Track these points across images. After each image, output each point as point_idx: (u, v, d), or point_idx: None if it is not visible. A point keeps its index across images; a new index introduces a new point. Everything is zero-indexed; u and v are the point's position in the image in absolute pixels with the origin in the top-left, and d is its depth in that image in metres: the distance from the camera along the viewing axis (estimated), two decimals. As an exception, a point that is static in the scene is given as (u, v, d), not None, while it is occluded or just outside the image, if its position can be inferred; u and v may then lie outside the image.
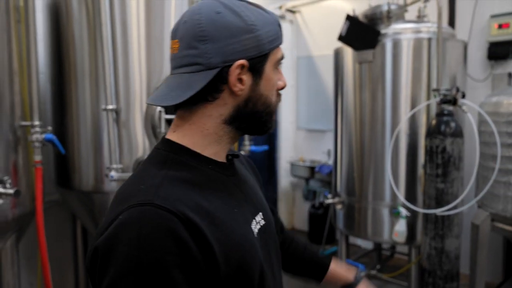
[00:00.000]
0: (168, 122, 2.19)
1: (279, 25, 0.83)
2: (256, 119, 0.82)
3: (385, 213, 2.93)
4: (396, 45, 2.83)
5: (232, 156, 0.87)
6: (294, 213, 5.20)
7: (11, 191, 1.73)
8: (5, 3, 1.84)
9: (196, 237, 0.66)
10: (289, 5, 4.88)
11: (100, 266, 0.65)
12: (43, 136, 1.91)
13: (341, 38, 2.84)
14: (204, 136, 0.80)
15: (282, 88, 0.86)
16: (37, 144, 1.90)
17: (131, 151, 2.17)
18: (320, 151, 4.76)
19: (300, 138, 5.12)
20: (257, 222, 0.85)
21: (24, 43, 1.90)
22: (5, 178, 1.78)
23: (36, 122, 1.91)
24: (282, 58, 0.84)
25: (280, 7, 4.87)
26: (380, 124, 2.90)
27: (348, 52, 3.02)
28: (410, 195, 2.84)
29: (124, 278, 0.62)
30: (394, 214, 2.83)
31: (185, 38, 0.76)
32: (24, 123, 1.90)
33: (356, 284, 1.11)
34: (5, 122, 1.85)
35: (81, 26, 2.16)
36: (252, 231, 0.81)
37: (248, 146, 2.75)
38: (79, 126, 2.24)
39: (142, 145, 2.19)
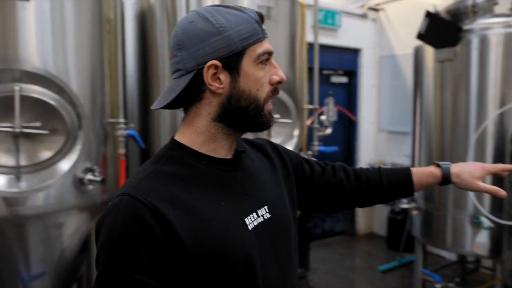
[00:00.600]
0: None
1: (258, 22, 0.85)
2: (243, 115, 0.85)
3: (467, 222, 2.72)
4: (484, 41, 2.61)
5: (239, 152, 0.93)
6: (373, 218, 5.04)
7: (98, 178, 1.99)
8: (99, 16, 2.12)
9: (162, 225, 0.74)
10: (372, 3, 4.74)
11: (95, 239, 0.80)
12: (126, 132, 2.15)
13: (420, 36, 2.71)
14: (198, 134, 0.87)
15: (278, 82, 0.88)
16: (121, 138, 2.15)
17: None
18: (401, 154, 4.55)
19: (381, 140, 4.95)
20: (259, 216, 0.89)
21: (113, 50, 2.16)
22: (95, 167, 2.04)
23: (121, 120, 2.16)
24: (265, 53, 0.85)
25: (362, 6, 4.75)
26: (463, 127, 2.70)
27: (429, 51, 2.86)
28: (496, 205, 2.60)
29: (102, 252, 0.75)
30: (475, 224, 2.62)
31: (170, 49, 0.86)
32: (111, 120, 2.16)
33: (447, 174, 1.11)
34: (97, 119, 2.12)
35: (162, 32, 2.38)
36: (243, 224, 0.85)
37: (316, 146, 2.76)
38: (159, 124, 2.47)
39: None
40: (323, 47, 4.46)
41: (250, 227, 0.86)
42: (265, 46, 0.86)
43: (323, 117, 2.83)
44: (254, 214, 0.88)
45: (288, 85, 2.53)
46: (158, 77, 2.44)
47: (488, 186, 1.09)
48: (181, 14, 2.24)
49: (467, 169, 1.11)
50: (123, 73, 2.23)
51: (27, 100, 1.82)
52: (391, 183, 1.15)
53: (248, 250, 0.83)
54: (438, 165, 1.14)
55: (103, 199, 2.17)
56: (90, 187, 2.04)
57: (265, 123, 0.89)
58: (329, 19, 4.35)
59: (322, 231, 4.88)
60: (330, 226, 4.97)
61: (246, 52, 0.84)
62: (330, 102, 2.90)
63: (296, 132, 2.62)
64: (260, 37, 0.85)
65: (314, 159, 1.21)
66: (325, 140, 4.53)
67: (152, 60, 2.45)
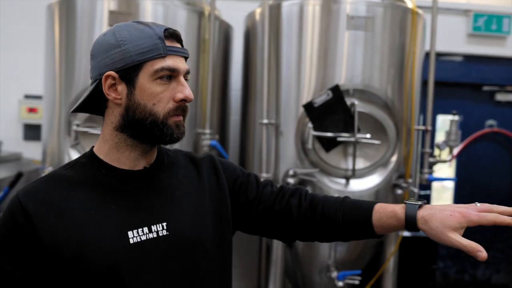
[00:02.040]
0: (318, 138, 2.19)
1: (161, 39, 0.85)
2: (140, 127, 0.87)
3: None
4: None
5: (153, 166, 0.94)
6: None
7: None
8: (197, 37, 2.36)
9: (28, 223, 0.83)
10: None
11: None
12: (209, 142, 2.31)
13: None
14: (104, 142, 0.92)
15: (183, 100, 0.88)
16: (205, 148, 2.32)
17: (278, 163, 2.30)
18: None
19: None
20: (152, 231, 0.87)
21: (206, 67, 2.36)
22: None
23: (207, 130, 2.33)
24: (164, 69, 0.85)
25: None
26: None
27: None
28: None
29: None
30: None
31: None
32: (199, 130, 2.36)
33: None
34: (189, 129, 2.36)
35: (261, 48, 2.42)
36: (123, 236, 0.84)
37: (426, 174, 2.34)
38: (246, 136, 2.56)
39: (291, 159, 2.28)
40: (484, 59, 3.75)
41: (132, 240, 0.86)
42: (167, 63, 0.86)
43: (440, 141, 2.38)
44: (145, 228, 0.88)
45: (385, 101, 2.25)
46: (256, 91, 2.52)
47: (464, 241, 0.77)
48: (281, 29, 2.29)
49: (440, 215, 0.82)
50: (212, 88, 2.39)
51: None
52: (347, 220, 0.96)
53: (115, 263, 0.83)
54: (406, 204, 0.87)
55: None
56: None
57: (166, 136, 0.88)
58: (493, 24, 3.63)
59: (472, 279, 4.05)
60: (485, 274, 4.08)
61: (144, 67, 0.86)
62: (453, 123, 2.42)
63: (394, 158, 2.30)
64: (160, 53, 0.86)
65: (275, 183, 1.07)
66: (475, 169, 3.78)
67: (252, 75, 2.56)
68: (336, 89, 2.16)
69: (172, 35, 0.89)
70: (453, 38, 3.64)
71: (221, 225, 0.98)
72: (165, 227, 0.89)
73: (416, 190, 2.27)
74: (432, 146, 2.40)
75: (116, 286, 0.83)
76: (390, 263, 2.48)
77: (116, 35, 0.87)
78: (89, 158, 0.93)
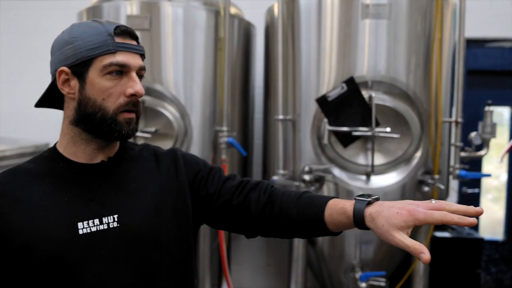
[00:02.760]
0: (334, 133, 2.12)
1: (111, 35, 0.88)
2: (91, 121, 0.90)
3: None
4: None
5: (110, 159, 0.97)
6: None
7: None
8: (214, 36, 2.38)
9: None
10: None
11: None
12: (226, 139, 2.32)
13: None
14: (63, 136, 0.96)
15: (133, 95, 0.90)
16: (223, 145, 2.34)
17: (296, 160, 2.26)
18: None
19: None
20: (103, 223, 0.89)
21: (223, 65, 2.38)
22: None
23: (224, 128, 2.35)
24: (113, 64, 0.88)
25: None
26: None
27: None
28: None
29: None
30: None
31: None
32: (218, 128, 2.39)
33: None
34: (208, 126, 2.40)
35: (279, 43, 2.38)
36: (72, 227, 0.87)
37: (457, 170, 2.17)
38: (267, 133, 2.54)
39: (308, 155, 2.23)
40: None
41: (82, 231, 0.89)
42: (117, 58, 0.89)
43: (473, 134, 2.19)
44: (96, 220, 0.91)
45: (407, 92, 2.12)
46: (276, 87, 2.49)
47: (408, 241, 0.71)
48: (299, 22, 2.26)
49: (387, 213, 0.76)
50: (229, 85, 2.40)
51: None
52: (301, 217, 0.92)
53: (63, 252, 0.87)
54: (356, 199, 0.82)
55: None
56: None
57: (115, 132, 0.91)
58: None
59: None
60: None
61: (94, 62, 0.90)
62: (488, 114, 2.21)
63: (418, 153, 2.16)
64: (109, 49, 0.89)
65: (240, 177, 1.06)
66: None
67: (271, 71, 2.53)
68: (351, 82, 2.07)
69: (125, 32, 0.92)
70: (503, 23, 3.33)
71: (178, 218, 0.99)
72: (116, 219, 0.91)
73: (442, 187, 2.11)
74: (465, 139, 2.22)
75: (62, 275, 0.86)
76: (420, 265, 2.33)
77: (70, 32, 0.92)
78: (51, 152, 0.98)
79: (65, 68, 0.91)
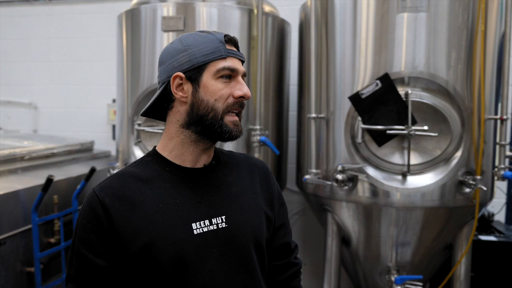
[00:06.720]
0: (368, 131, 2.07)
1: (222, 42, 0.95)
2: (203, 123, 0.96)
3: None
4: None
5: (211, 164, 1.04)
6: None
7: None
8: (247, 34, 2.39)
9: (107, 216, 0.94)
10: None
11: None
12: (259, 137, 2.32)
13: None
14: (169, 140, 1.01)
15: (241, 97, 0.96)
16: (255, 144, 2.34)
17: (329, 159, 2.22)
18: None
19: None
20: (212, 223, 0.96)
21: (255, 64, 2.38)
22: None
23: (257, 126, 2.35)
24: (225, 68, 0.95)
25: None
26: None
27: None
28: None
29: (75, 229, 1.00)
30: None
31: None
32: (251, 126, 2.39)
33: None
34: (242, 125, 2.41)
35: (312, 40, 2.35)
36: (187, 227, 0.93)
37: (502, 170, 2.03)
38: (301, 131, 2.51)
39: (341, 154, 2.18)
40: None
41: (196, 231, 0.95)
42: (228, 63, 0.97)
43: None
44: (206, 221, 0.97)
45: (447, 88, 2.02)
46: (310, 84, 2.46)
47: None
48: (334, 17, 2.22)
49: None
50: (261, 83, 2.40)
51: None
52: None
53: (182, 251, 0.93)
54: None
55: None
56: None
57: (225, 133, 0.98)
58: None
59: None
60: None
61: (207, 67, 0.97)
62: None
63: (459, 152, 2.05)
64: (221, 54, 0.97)
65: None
66: None
67: (305, 68, 2.51)
68: (385, 78, 2.00)
69: (231, 40, 0.99)
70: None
71: (268, 225, 1.07)
72: (224, 220, 0.98)
73: (485, 188, 2.00)
74: None
75: (181, 273, 0.92)
76: (461, 269, 2.22)
77: (182, 41, 0.99)
78: (153, 156, 1.04)
79: (180, 73, 0.97)
